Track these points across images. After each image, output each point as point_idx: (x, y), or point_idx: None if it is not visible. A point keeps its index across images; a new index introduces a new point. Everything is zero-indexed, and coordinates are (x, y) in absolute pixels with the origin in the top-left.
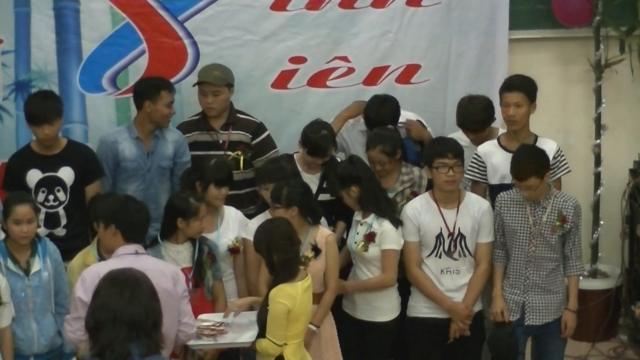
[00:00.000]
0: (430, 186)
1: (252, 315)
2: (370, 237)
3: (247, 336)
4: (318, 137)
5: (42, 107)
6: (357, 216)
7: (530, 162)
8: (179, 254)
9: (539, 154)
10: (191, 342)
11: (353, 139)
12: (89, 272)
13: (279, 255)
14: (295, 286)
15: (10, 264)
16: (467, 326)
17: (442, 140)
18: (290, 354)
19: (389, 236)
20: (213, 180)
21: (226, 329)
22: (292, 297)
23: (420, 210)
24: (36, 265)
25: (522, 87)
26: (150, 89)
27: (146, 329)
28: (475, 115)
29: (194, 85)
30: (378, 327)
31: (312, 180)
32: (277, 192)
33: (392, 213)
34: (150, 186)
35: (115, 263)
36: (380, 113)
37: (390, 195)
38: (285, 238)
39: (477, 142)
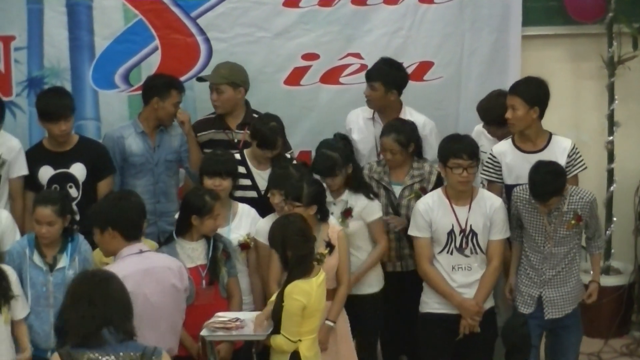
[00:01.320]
0: (438, 182)
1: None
2: (347, 213)
3: (261, 331)
4: (267, 129)
5: (58, 104)
6: (327, 199)
7: (550, 185)
8: (194, 251)
9: (557, 174)
10: (205, 333)
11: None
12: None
13: (293, 251)
14: (310, 282)
15: (35, 257)
16: (477, 322)
17: (458, 139)
18: (305, 349)
19: (371, 208)
20: (204, 171)
21: (242, 324)
22: (307, 293)
23: (432, 207)
24: (62, 261)
25: (518, 90)
26: (162, 86)
27: (117, 319)
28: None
29: (197, 80)
30: (367, 299)
31: (261, 176)
32: (296, 191)
33: (364, 189)
34: (158, 180)
35: (122, 265)
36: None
37: (399, 189)
38: (300, 234)
39: (504, 138)
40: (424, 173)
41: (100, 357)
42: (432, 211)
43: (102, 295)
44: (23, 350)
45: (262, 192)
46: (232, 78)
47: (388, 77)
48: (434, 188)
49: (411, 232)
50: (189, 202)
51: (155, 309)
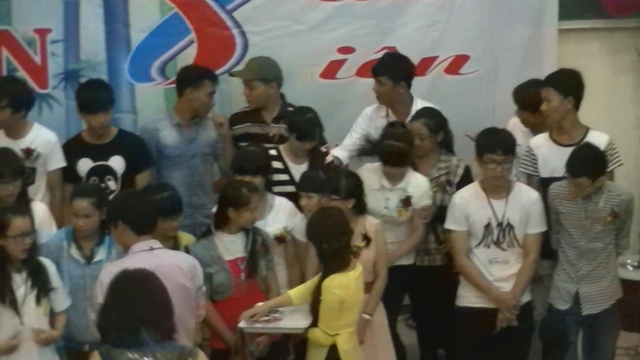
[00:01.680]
0: (465, 176)
1: (306, 306)
2: (407, 202)
3: (299, 324)
4: (304, 121)
5: (96, 96)
6: (377, 185)
7: (587, 163)
8: (233, 244)
9: (598, 157)
10: (243, 325)
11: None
12: (106, 274)
13: (329, 245)
14: (348, 276)
15: (73, 250)
16: (514, 316)
17: (494, 134)
18: (343, 342)
19: (427, 193)
20: (236, 169)
21: (280, 316)
22: (345, 287)
23: (469, 200)
24: (100, 254)
25: (551, 81)
26: (194, 77)
27: (156, 319)
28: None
29: (229, 75)
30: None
31: (298, 170)
32: (334, 183)
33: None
34: (194, 173)
35: (130, 261)
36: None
37: None
38: (337, 227)
39: (537, 128)
40: (450, 166)
41: (138, 358)
42: (468, 204)
43: (141, 296)
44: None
45: None
46: (263, 74)
47: (394, 70)
48: (460, 182)
49: (448, 225)
50: (226, 195)
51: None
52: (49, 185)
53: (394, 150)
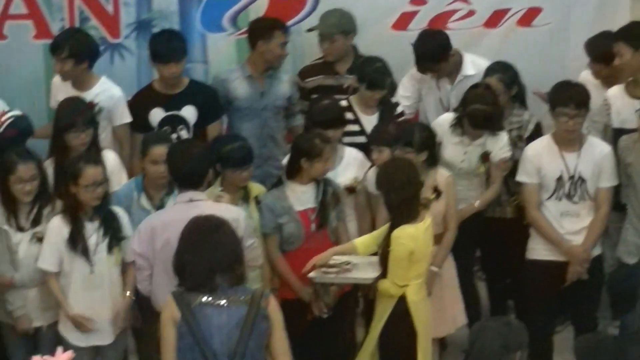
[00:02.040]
0: (536, 131)
1: (376, 257)
2: (486, 157)
3: (369, 275)
4: (373, 70)
5: (169, 46)
6: (457, 138)
7: None
8: (304, 194)
9: None
10: (313, 275)
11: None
12: (144, 223)
13: (398, 195)
14: (417, 227)
15: (143, 200)
16: (585, 269)
17: (567, 87)
18: (412, 294)
19: (507, 146)
20: (318, 123)
21: (350, 267)
22: (415, 238)
23: (541, 153)
24: (169, 203)
25: (622, 35)
26: (264, 29)
27: (228, 265)
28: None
29: (307, 31)
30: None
31: (369, 121)
32: (408, 136)
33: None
34: (265, 125)
35: (166, 213)
36: (419, 47)
37: None
38: (406, 178)
39: (609, 81)
40: (522, 121)
41: (212, 301)
42: (540, 157)
43: (213, 242)
44: (125, 293)
45: None
46: (343, 26)
47: (429, 59)
48: (531, 137)
49: (519, 177)
50: (299, 146)
51: None
52: (118, 140)
53: (482, 114)
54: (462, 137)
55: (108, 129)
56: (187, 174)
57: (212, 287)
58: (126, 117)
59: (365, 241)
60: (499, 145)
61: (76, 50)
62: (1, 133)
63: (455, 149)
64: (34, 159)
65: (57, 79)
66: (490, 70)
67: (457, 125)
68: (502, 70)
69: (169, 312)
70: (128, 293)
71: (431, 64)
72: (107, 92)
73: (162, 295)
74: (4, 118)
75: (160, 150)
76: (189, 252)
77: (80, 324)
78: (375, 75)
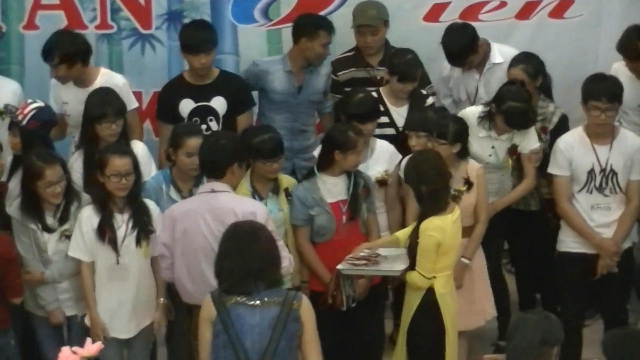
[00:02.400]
0: (561, 123)
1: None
2: (514, 152)
3: (396, 267)
4: (404, 62)
5: (199, 37)
6: (484, 132)
7: None
8: (335, 186)
9: None
10: (341, 267)
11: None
12: (167, 211)
13: (427, 187)
14: (445, 219)
15: (172, 192)
16: (615, 263)
17: (600, 80)
18: (440, 286)
19: (535, 137)
20: (355, 116)
21: (380, 259)
22: (443, 229)
23: (573, 145)
24: None
25: None
26: (310, 27)
27: (263, 270)
28: None
29: (353, 27)
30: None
31: (399, 113)
32: (442, 128)
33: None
34: (297, 118)
35: (189, 202)
36: (447, 44)
37: None
38: (435, 169)
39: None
40: (546, 113)
41: (247, 301)
42: (572, 149)
43: (250, 248)
44: (158, 300)
45: (400, 129)
46: (384, 17)
47: (458, 52)
48: (555, 129)
49: (551, 169)
50: (332, 138)
51: (210, 249)
52: (128, 127)
53: (518, 112)
54: (489, 131)
55: None
56: (210, 163)
57: (247, 290)
58: (132, 103)
59: (407, 233)
60: (528, 138)
61: (65, 54)
62: (24, 125)
63: (483, 143)
64: (58, 159)
65: (54, 81)
66: (514, 61)
67: (485, 119)
68: (526, 60)
69: (206, 311)
70: (161, 300)
71: (461, 59)
72: (110, 82)
73: (183, 285)
74: (26, 110)
75: (194, 142)
76: (227, 257)
77: (93, 329)
78: (406, 68)
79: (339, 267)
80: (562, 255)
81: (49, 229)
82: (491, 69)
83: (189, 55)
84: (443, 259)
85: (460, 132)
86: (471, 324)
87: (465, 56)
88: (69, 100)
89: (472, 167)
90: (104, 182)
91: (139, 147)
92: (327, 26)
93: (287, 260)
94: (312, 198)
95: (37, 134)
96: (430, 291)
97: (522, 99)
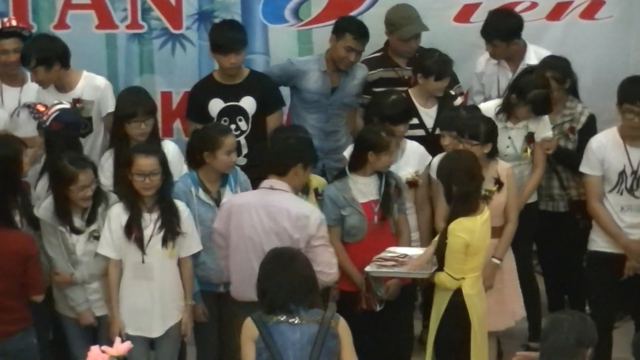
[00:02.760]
0: (588, 123)
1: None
2: (531, 139)
3: (424, 269)
4: (436, 61)
5: (229, 37)
6: (500, 124)
7: None
8: (367, 186)
9: None
10: (369, 268)
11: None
12: (226, 202)
13: (458, 187)
14: (475, 220)
15: (201, 194)
16: None
17: (635, 84)
18: (468, 287)
19: (548, 125)
20: (388, 118)
21: (407, 260)
22: (471, 231)
23: (606, 145)
24: (227, 195)
25: None
26: (338, 26)
27: (304, 291)
28: None
29: (407, 39)
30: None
31: (428, 114)
32: (474, 128)
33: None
34: (330, 119)
35: (247, 195)
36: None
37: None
38: (468, 171)
39: None
40: (574, 113)
41: (286, 319)
42: (605, 149)
43: (289, 272)
44: (186, 302)
45: (430, 130)
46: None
47: (505, 31)
48: (583, 129)
49: (582, 168)
50: (365, 139)
51: (259, 244)
52: (107, 129)
53: (544, 99)
54: (505, 122)
55: (99, 122)
56: (275, 160)
57: (287, 310)
58: (110, 107)
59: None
60: (543, 125)
61: (42, 57)
62: (47, 126)
63: (500, 135)
64: (89, 163)
65: (38, 86)
66: (542, 66)
67: (504, 110)
68: (554, 66)
69: (249, 332)
70: (189, 302)
71: (499, 41)
72: (91, 85)
73: (231, 278)
74: (51, 111)
75: (231, 140)
76: (267, 280)
77: (112, 327)
78: (439, 66)
79: (367, 269)
80: (593, 254)
81: (77, 231)
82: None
83: (218, 55)
84: (471, 260)
85: (491, 132)
86: (501, 325)
87: (504, 41)
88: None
89: (502, 167)
90: (132, 181)
91: (170, 147)
92: (355, 31)
93: (335, 267)
94: (343, 198)
95: (61, 136)
96: (458, 292)
97: (544, 86)
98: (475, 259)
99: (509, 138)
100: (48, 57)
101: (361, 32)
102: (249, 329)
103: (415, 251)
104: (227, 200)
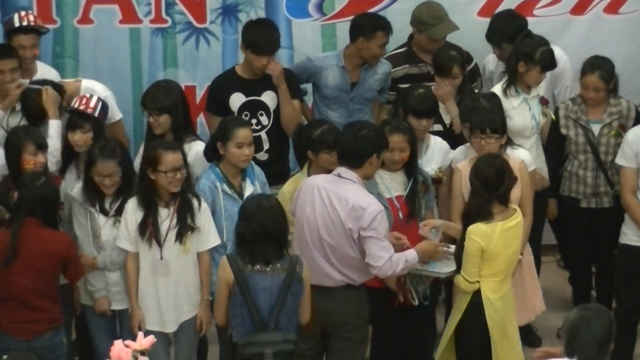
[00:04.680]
0: (638, 118)
1: None
2: (544, 101)
3: (446, 269)
4: (444, 56)
5: (268, 37)
6: (520, 99)
7: None
8: (393, 182)
9: None
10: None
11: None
12: (304, 181)
13: (481, 192)
14: (494, 226)
15: (226, 188)
16: None
17: None
18: (489, 291)
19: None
20: (413, 111)
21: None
22: (488, 236)
23: None
24: (248, 188)
25: None
26: (368, 27)
27: (278, 239)
28: None
29: (439, 39)
30: None
31: (444, 109)
32: (492, 123)
33: None
34: (352, 114)
35: (320, 177)
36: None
37: (597, 127)
38: (499, 176)
39: None
40: (622, 110)
41: (260, 269)
42: None
43: (267, 220)
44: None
45: (448, 125)
46: None
47: (512, 33)
48: (635, 125)
49: (618, 160)
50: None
51: (315, 226)
52: (115, 137)
53: (550, 53)
54: (519, 96)
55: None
56: (351, 154)
57: (262, 260)
58: (117, 115)
59: None
60: (541, 89)
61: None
62: (95, 116)
63: (521, 112)
64: (116, 156)
65: None
66: (590, 67)
67: (510, 86)
68: (602, 66)
69: (225, 275)
70: (206, 297)
71: (506, 44)
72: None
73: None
74: (92, 103)
75: (244, 133)
76: (247, 225)
77: (131, 319)
78: (443, 61)
79: None
80: (623, 247)
81: (105, 212)
82: None
83: (252, 54)
84: (489, 265)
85: (505, 123)
86: (522, 320)
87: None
88: None
89: (514, 162)
90: (155, 178)
91: (199, 146)
92: (385, 27)
93: (382, 261)
94: (370, 193)
95: (103, 126)
96: (478, 295)
97: (546, 42)
98: (494, 264)
99: (530, 110)
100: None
101: (389, 26)
102: (226, 273)
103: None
104: (305, 180)
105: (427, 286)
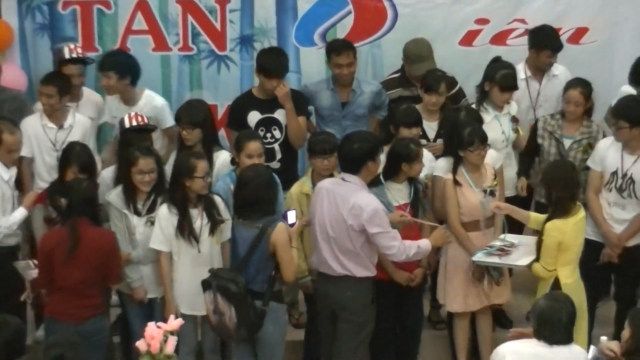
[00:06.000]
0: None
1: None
2: (515, 120)
3: (524, 260)
4: (431, 75)
5: (277, 63)
6: (491, 115)
7: None
8: (399, 192)
9: None
10: (476, 258)
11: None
12: (316, 186)
13: (557, 194)
14: (567, 222)
15: None
16: (616, 254)
17: (630, 103)
18: (564, 277)
19: (514, 105)
20: (402, 123)
21: (512, 250)
22: (562, 231)
23: (609, 147)
24: None
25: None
26: (327, 49)
27: (263, 202)
28: None
29: (418, 75)
30: None
31: (431, 127)
32: (483, 134)
33: None
34: (345, 130)
35: (328, 180)
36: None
37: (569, 142)
38: (565, 180)
39: None
40: (592, 131)
41: (243, 222)
42: (607, 150)
43: (257, 187)
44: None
45: (431, 141)
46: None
47: (559, 46)
48: None
49: (588, 163)
50: (397, 151)
51: (324, 225)
52: (169, 139)
53: (512, 75)
54: (491, 112)
55: (158, 132)
56: (347, 162)
57: (247, 216)
58: (169, 122)
59: (536, 218)
60: (512, 105)
61: (119, 67)
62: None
63: (493, 127)
64: (153, 154)
65: (109, 98)
66: (572, 84)
67: (481, 101)
68: (583, 84)
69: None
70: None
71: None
72: (151, 103)
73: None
74: (143, 118)
75: (255, 145)
76: (243, 190)
77: (168, 309)
78: (430, 80)
79: (473, 258)
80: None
81: (139, 213)
82: (551, 80)
83: (263, 77)
84: (564, 255)
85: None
86: (506, 298)
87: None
88: (117, 114)
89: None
90: (190, 184)
91: (225, 155)
92: (333, 49)
93: (393, 249)
94: (381, 202)
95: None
96: (557, 281)
97: (509, 66)
98: (568, 254)
99: (500, 125)
100: (123, 68)
101: (338, 47)
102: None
103: (518, 239)
104: (318, 183)
105: (501, 274)
